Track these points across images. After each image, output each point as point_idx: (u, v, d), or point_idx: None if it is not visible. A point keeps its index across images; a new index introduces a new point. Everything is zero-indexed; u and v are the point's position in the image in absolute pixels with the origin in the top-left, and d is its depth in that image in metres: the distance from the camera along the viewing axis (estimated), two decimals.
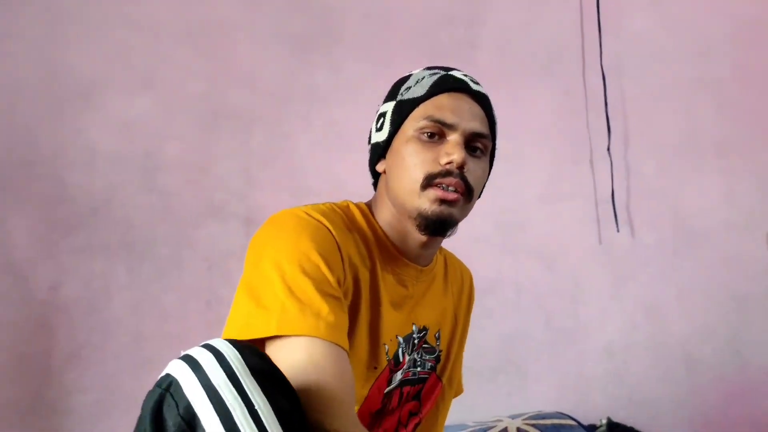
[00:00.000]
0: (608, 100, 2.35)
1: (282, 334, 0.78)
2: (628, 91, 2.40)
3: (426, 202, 0.91)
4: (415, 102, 0.94)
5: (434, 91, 0.94)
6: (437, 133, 0.92)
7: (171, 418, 0.61)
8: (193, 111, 2.00)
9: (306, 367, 0.75)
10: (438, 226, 0.93)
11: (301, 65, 2.13)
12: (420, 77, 0.97)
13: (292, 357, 0.77)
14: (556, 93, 2.35)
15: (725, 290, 2.41)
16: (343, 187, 2.11)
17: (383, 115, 1.00)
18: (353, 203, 1.02)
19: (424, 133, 0.92)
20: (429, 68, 1.00)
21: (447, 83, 0.95)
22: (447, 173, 0.90)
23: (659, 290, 2.35)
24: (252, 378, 0.63)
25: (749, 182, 2.46)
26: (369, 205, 1.04)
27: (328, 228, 0.90)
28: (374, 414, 0.98)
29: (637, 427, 2.22)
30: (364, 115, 2.15)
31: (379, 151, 1.00)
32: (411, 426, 1.06)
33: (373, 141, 1.03)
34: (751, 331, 2.43)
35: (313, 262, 0.85)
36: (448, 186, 0.90)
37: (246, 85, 2.06)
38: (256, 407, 0.61)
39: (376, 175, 1.05)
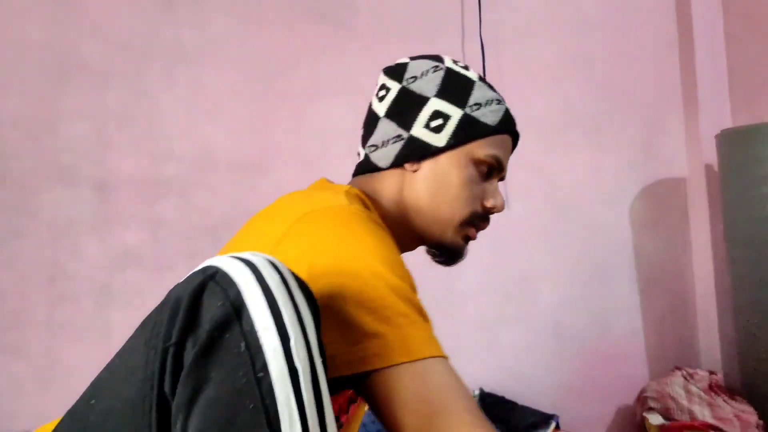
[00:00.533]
0: (486, 72, 2.34)
1: (417, 357, 0.65)
2: (505, 64, 2.40)
3: (457, 237, 0.89)
4: (487, 130, 0.88)
5: (503, 128, 0.90)
6: (491, 173, 0.90)
7: (215, 303, 0.55)
8: (36, 61, 1.76)
9: (448, 391, 0.65)
10: (452, 258, 0.91)
11: (163, 18, 1.94)
12: (488, 99, 0.90)
13: (431, 382, 0.65)
14: None
15: (591, 261, 2.50)
16: (209, 151, 1.96)
17: (444, 116, 0.87)
18: (357, 192, 0.88)
19: (484, 167, 0.88)
20: (486, 83, 0.92)
21: (511, 123, 0.91)
22: (486, 218, 0.90)
23: (532, 261, 2.40)
24: (299, 290, 0.59)
25: (614, 158, 2.56)
26: (366, 194, 0.90)
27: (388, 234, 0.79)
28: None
29: (507, 396, 2.26)
30: (232, 75, 2.02)
31: (422, 152, 0.87)
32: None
33: (416, 133, 0.88)
34: (612, 299, 2.54)
35: (406, 272, 0.74)
36: (480, 228, 0.90)
37: (99, 35, 1.85)
38: (302, 316, 0.57)
39: (392, 164, 0.90)
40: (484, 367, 2.29)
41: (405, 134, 0.88)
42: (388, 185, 0.90)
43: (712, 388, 2.26)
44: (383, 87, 0.92)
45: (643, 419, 2.26)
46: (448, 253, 0.91)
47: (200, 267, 0.59)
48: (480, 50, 2.34)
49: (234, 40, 2.02)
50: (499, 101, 0.91)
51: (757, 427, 2.15)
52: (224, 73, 2.01)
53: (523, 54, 2.44)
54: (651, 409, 2.27)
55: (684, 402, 2.21)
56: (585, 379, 2.45)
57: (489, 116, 0.88)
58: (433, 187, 0.87)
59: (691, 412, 2.18)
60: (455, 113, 0.87)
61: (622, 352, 2.56)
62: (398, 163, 0.89)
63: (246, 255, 0.60)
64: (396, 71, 0.92)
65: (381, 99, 0.92)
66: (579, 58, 2.53)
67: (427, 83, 0.89)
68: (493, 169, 0.89)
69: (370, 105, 0.93)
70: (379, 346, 0.65)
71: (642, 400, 2.33)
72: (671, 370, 2.39)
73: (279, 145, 2.06)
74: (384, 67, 0.95)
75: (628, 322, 2.59)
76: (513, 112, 0.95)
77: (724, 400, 2.21)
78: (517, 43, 2.43)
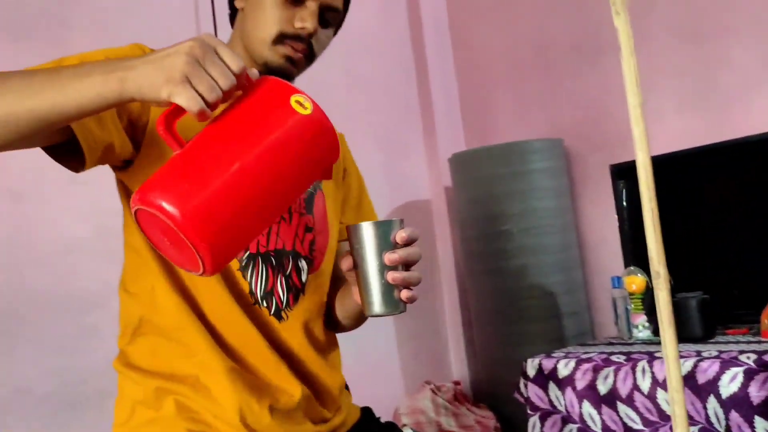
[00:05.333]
0: None
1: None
2: None
3: (275, 56, 1.02)
4: None
5: None
6: None
7: None
8: None
9: None
10: (279, 77, 0.93)
11: None
12: None
13: None
14: None
15: None
16: None
17: None
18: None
19: None
20: None
21: None
22: (297, 37, 1.01)
23: None
24: None
25: None
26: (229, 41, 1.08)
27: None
28: None
29: None
30: None
31: None
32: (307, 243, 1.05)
33: None
34: (366, 321, 2.58)
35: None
36: (296, 49, 1.02)
37: None
38: None
39: (233, 10, 1.10)
40: None
41: None
42: (236, 27, 1.10)
43: (457, 397, 2.38)
44: None
45: None
46: (274, 72, 1.02)
47: None
48: None
49: None
50: None
51: (495, 429, 2.29)
52: None
53: None
54: (404, 425, 2.32)
55: (432, 414, 2.29)
56: None
57: None
58: (251, 17, 1.04)
59: (438, 424, 2.27)
60: None
61: (380, 372, 2.60)
62: (231, 3, 1.10)
63: None
64: None
65: None
66: (321, 85, 2.56)
67: None
68: None
69: None
70: None
71: (396, 417, 2.38)
72: (422, 385, 2.48)
73: None
74: None
75: (383, 341, 2.64)
76: None
77: (468, 408, 2.33)
78: None
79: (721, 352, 1.62)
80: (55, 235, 1.91)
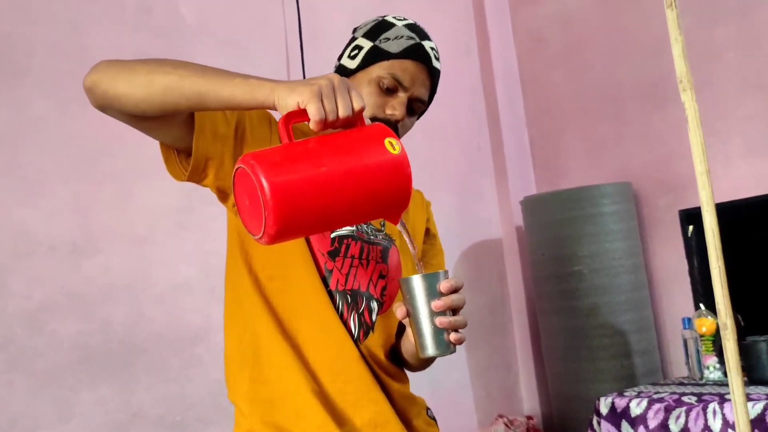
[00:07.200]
0: None
1: None
2: None
3: None
4: (388, 56, 1.16)
5: (405, 55, 1.15)
6: (392, 88, 1.14)
7: None
8: None
9: None
10: None
11: None
12: (399, 35, 1.17)
13: None
14: None
15: None
16: (29, 236, 1.90)
17: (359, 48, 1.19)
18: None
19: (384, 82, 1.14)
20: (409, 27, 1.19)
21: (417, 53, 1.16)
22: (387, 122, 1.12)
23: None
24: None
25: None
26: None
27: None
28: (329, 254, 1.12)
29: None
30: (53, 156, 1.98)
31: (343, 74, 1.19)
32: (379, 288, 1.16)
33: (342, 62, 1.21)
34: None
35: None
36: None
37: None
38: None
39: None
40: None
41: (337, 63, 1.23)
42: None
43: (530, 431, 2.48)
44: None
45: None
46: None
47: None
48: None
49: (54, 121, 1.99)
50: (410, 38, 1.17)
51: None
52: (43, 154, 1.97)
53: None
54: None
55: None
56: None
57: (393, 47, 1.17)
58: None
59: None
60: (366, 45, 1.19)
61: (454, 405, 2.72)
62: None
63: None
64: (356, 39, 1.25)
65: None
66: None
67: (361, 29, 1.22)
68: (395, 85, 1.15)
69: None
70: None
71: None
72: (495, 419, 2.59)
73: (104, 225, 2.04)
74: None
75: (456, 375, 2.77)
76: None
77: None
78: None
79: None
80: (167, 275, 2.14)
